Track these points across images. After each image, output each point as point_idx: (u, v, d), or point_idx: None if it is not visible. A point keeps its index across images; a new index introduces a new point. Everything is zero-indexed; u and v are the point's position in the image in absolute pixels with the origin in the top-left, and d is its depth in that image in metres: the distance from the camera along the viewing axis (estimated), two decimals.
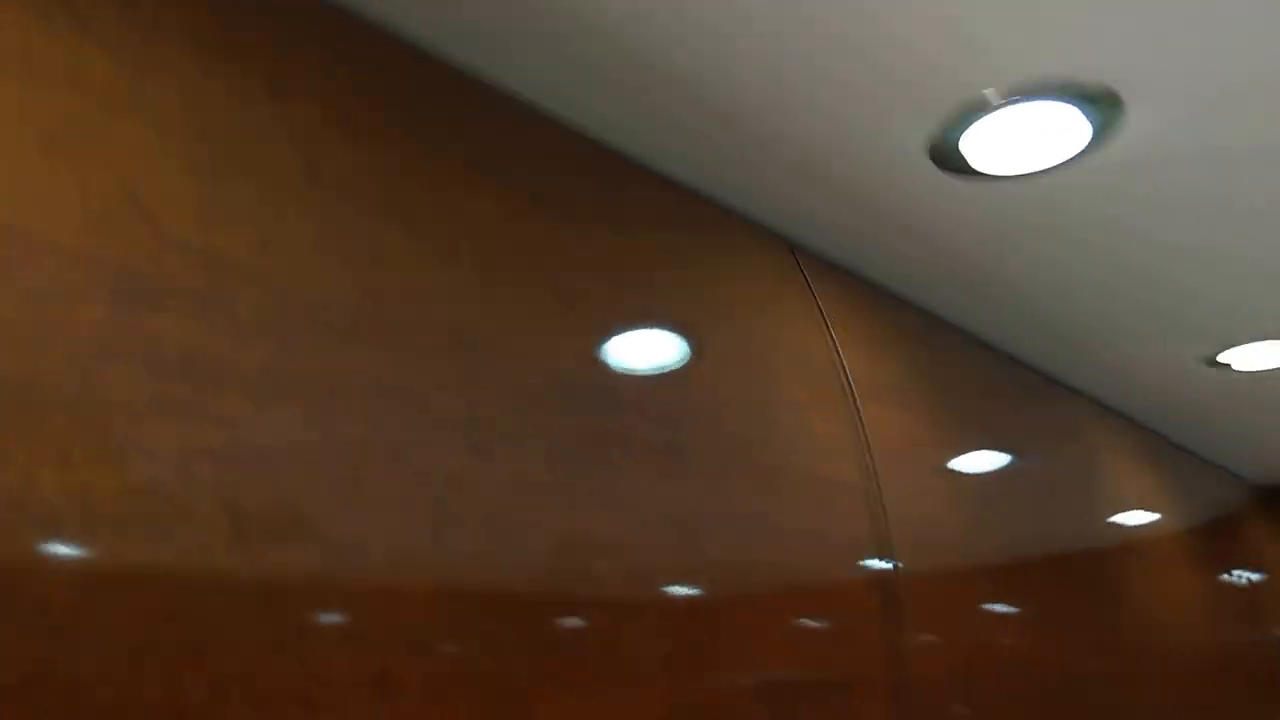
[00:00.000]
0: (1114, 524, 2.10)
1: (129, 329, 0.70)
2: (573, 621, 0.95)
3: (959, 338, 2.01)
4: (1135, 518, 2.19)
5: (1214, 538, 2.59)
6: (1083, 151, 1.43)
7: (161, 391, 0.71)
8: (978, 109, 1.33)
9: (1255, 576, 2.64)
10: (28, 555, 0.61)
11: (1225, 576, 2.50)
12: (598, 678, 0.94)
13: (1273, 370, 2.35)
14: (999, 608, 1.61)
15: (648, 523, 1.07)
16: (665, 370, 1.20)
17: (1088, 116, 1.35)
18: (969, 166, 1.47)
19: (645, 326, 1.21)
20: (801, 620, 1.24)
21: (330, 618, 0.76)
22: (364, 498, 0.81)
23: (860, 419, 1.53)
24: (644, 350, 1.19)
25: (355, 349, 0.86)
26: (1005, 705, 1.58)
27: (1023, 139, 1.40)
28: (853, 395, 1.54)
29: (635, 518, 1.06)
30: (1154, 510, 2.30)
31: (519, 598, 0.90)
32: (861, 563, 1.39)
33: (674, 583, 1.08)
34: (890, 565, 1.43)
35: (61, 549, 0.63)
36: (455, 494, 0.88)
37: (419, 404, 0.89)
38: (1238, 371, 2.34)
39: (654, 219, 1.33)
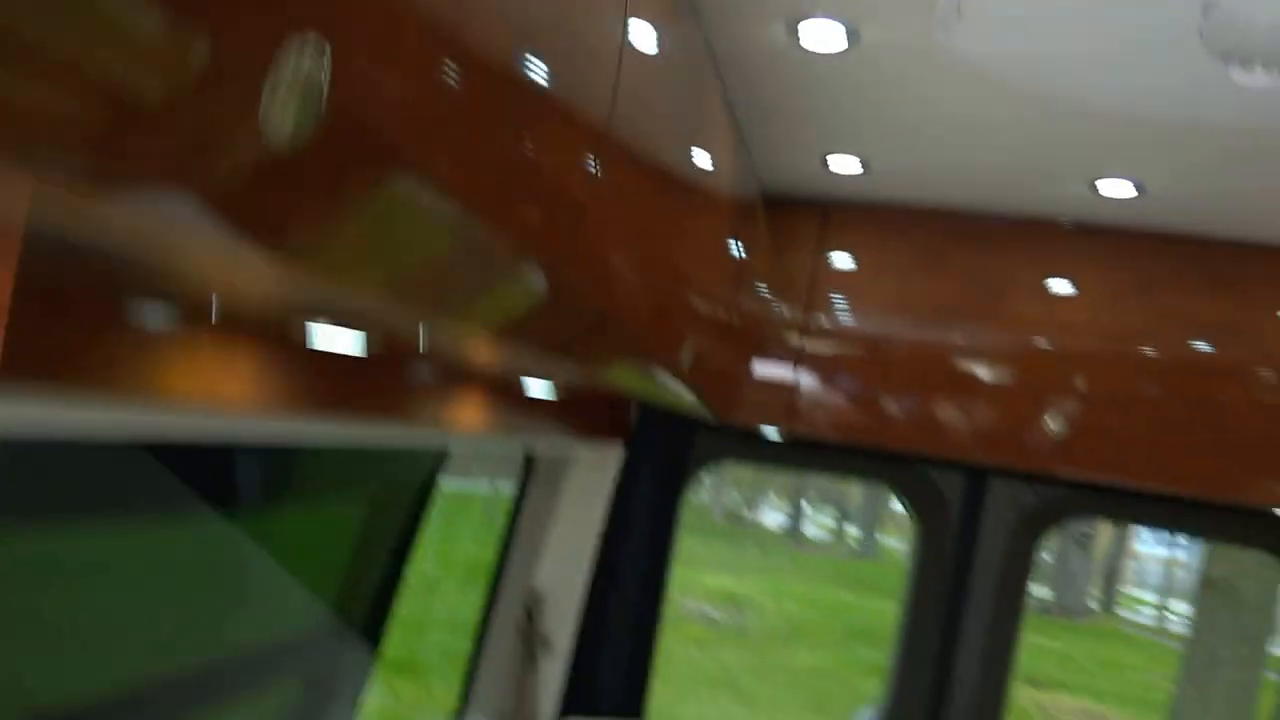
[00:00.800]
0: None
1: None
2: None
3: None
4: (697, 171, 2.51)
5: (738, 213, 3.07)
6: None
7: None
8: None
9: (744, 256, 3.19)
10: None
11: (732, 245, 2.97)
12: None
13: (825, 56, 2.67)
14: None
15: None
16: None
17: None
18: None
19: None
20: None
21: None
22: None
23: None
24: None
25: None
26: None
27: None
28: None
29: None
30: (718, 173, 2.64)
31: None
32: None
33: None
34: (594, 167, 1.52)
35: None
36: None
37: None
38: (801, 50, 2.63)
39: None
